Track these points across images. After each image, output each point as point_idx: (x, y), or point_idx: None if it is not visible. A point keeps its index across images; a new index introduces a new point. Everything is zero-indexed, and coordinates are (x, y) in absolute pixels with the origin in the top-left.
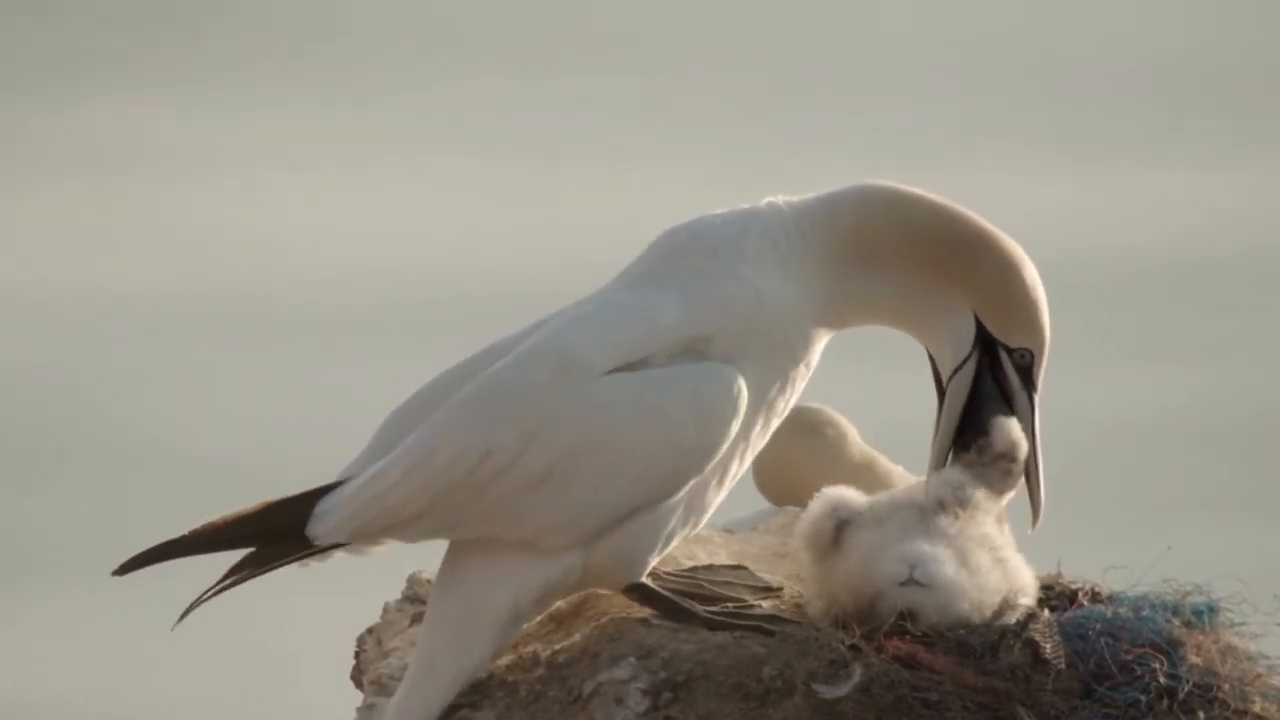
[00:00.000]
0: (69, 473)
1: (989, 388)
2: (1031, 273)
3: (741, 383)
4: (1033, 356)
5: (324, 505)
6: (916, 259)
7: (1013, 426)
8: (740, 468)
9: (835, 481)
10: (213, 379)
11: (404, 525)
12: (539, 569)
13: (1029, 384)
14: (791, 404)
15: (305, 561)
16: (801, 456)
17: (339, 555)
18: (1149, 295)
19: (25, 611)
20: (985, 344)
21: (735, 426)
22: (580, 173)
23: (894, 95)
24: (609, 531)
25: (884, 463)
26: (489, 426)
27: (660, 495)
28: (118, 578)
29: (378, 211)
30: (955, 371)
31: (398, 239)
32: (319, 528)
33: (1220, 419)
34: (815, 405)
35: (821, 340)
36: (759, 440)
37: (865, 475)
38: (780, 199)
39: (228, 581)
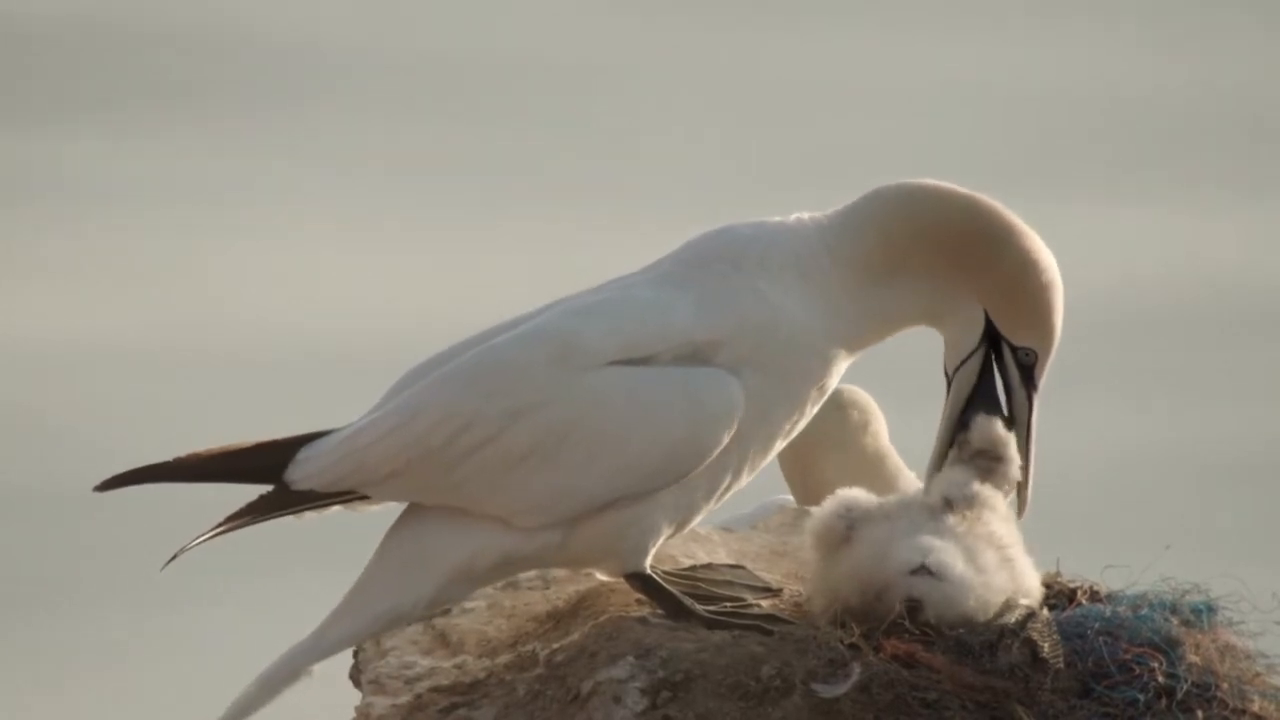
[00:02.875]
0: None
1: (990, 384)
2: (1049, 274)
3: (740, 392)
4: (1036, 356)
5: (305, 453)
6: (936, 252)
7: (993, 424)
8: (735, 481)
9: (841, 464)
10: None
11: (378, 483)
12: (507, 536)
13: (1029, 383)
14: (800, 426)
15: (301, 514)
16: (817, 430)
17: (337, 517)
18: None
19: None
20: (992, 339)
21: (727, 434)
22: (515, 224)
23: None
24: (589, 519)
25: (895, 462)
26: (474, 399)
27: (642, 489)
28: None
29: (324, 260)
30: (961, 364)
31: (334, 287)
32: (297, 473)
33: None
34: (852, 386)
35: (842, 363)
36: (758, 458)
37: (872, 468)
38: (806, 215)
39: (221, 528)
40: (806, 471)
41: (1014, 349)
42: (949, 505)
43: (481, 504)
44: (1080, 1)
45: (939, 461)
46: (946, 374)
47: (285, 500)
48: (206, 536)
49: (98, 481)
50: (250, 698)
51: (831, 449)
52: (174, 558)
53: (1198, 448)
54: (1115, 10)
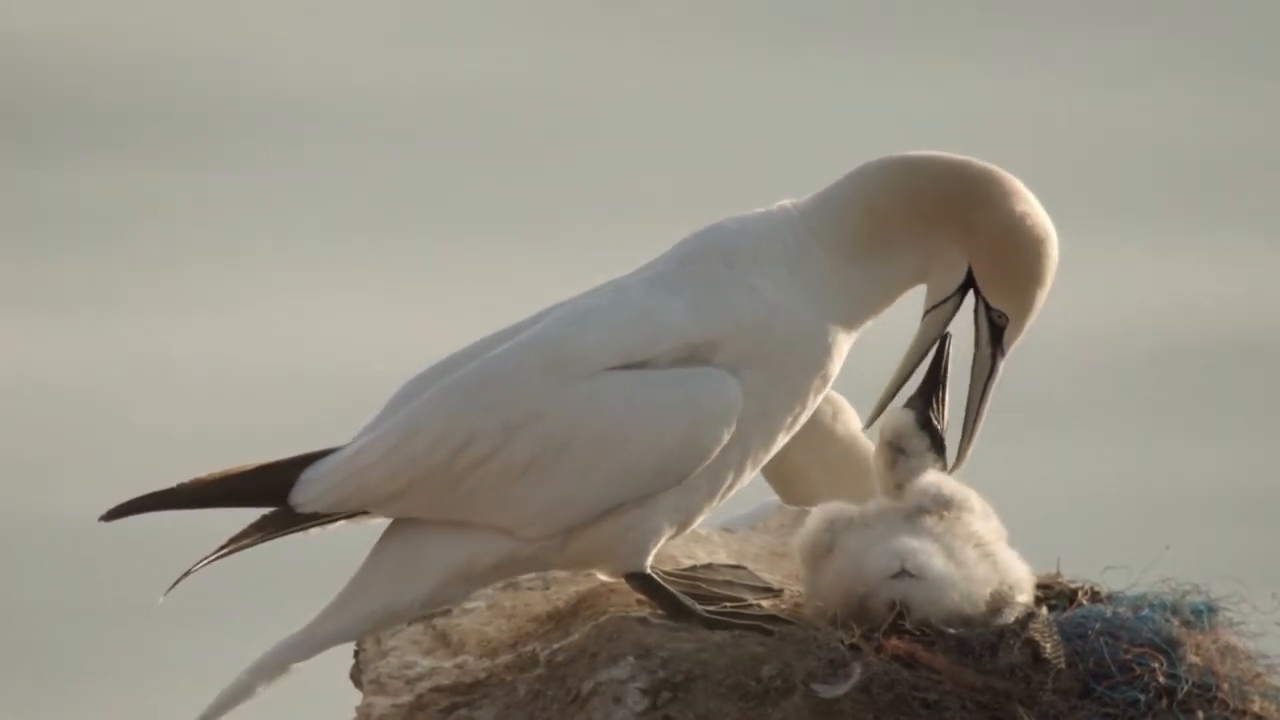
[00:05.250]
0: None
1: (938, 370)
2: (1041, 244)
3: (737, 391)
4: (1009, 321)
5: (309, 474)
6: (926, 219)
7: (905, 417)
8: (737, 479)
9: (812, 448)
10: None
11: (381, 503)
12: (507, 539)
13: (997, 343)
14: (803, 418)
15: (307, 530)
16: None
17: (342, 529)
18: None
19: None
20: (974, 293)
21: (726, 433)
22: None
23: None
24: (590, 525)
25: (866, 445)
26: (473, 414)
27: (643, 493)
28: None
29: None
30: (934, 307)
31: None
32: (301, 496)
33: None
34: None
35: (843, 347)
36: (760, 454)
37: (845, 452)
38: (788, 202)
39: (226, 550)
40: (780, 459)
41: (989, 308)
42: (923, 512)
43: (485, 517)
44: (1077, 42)
45: (888, 398)
46: (923, 318)
47: (290, 520)
48: (210, 559)
49: (102, 512)
50: (237, 689)
51: (803, 435)
52: (177, 582)
53: (1201, 481)
54: (1110, 46)
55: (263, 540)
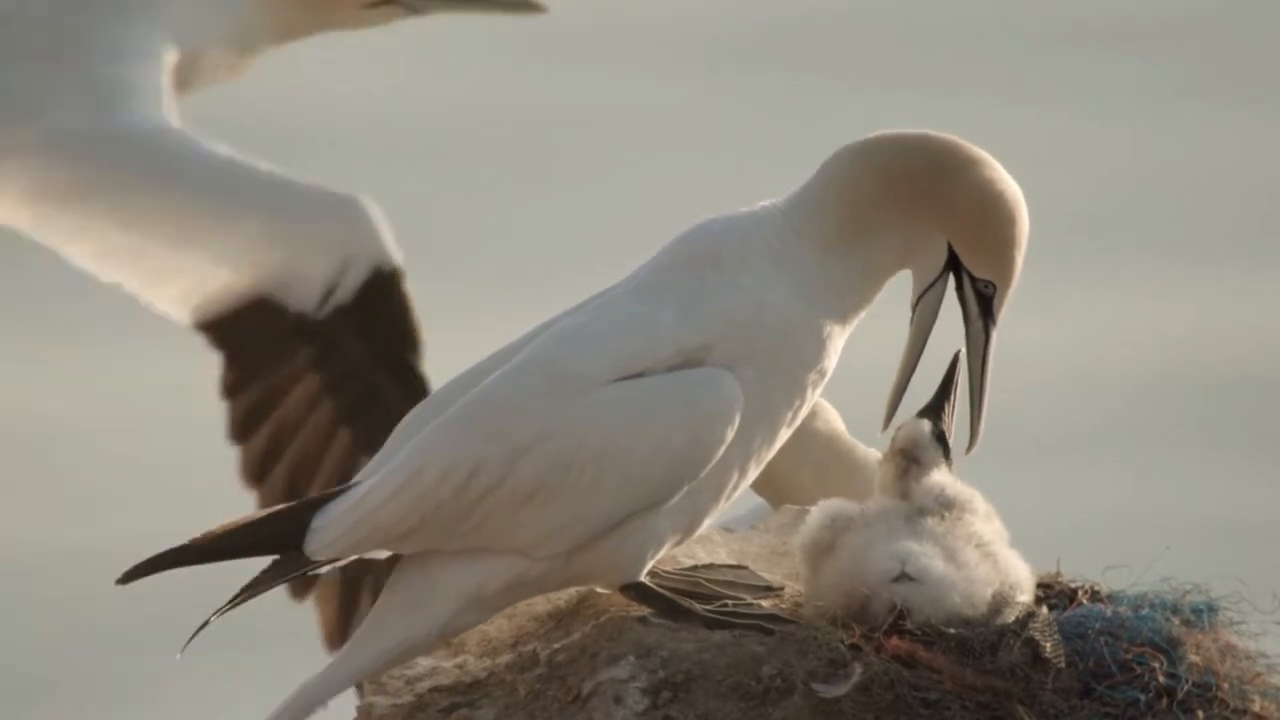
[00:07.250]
0: None
1: (949, 383)
2: (1010, 207)
3: (736, 387)
4: (995, 289)
5: (319, 521)
6: (900, 198)
7: (920, 427)
8: (741, 479)
9: (793, 446)
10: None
11: (397, 541)
12: (515, 561)
13: (987, 314)
14: (804, 412)
15: (320, 569)
16: None
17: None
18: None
19: None
20: (954, 270)
21: (729, 432)
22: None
23: None
24: (599, 537)
25: (848, 441)
26: (475, 444)
27: (651, 502)
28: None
29: None
30: (922, 295)
31: None
32: (314, 544)
33: None
34: None
35: (837, 339)
36: (763, 452)
37: (830, 447)
38: (769, 201)
39: (240, 598)
40: (770, 468)
41: (974, 280)
42: (923, 513)
43: (501, 542)
44: (1068, 72)
45: (898, 394)
46: (912, 307)
47: (303, 563)
48: (226, 609)
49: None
50: None
51: (788, 441)
52: (194, 636)
53: (1200, 512)
54: (1102, 76)
55: (276, 584)
